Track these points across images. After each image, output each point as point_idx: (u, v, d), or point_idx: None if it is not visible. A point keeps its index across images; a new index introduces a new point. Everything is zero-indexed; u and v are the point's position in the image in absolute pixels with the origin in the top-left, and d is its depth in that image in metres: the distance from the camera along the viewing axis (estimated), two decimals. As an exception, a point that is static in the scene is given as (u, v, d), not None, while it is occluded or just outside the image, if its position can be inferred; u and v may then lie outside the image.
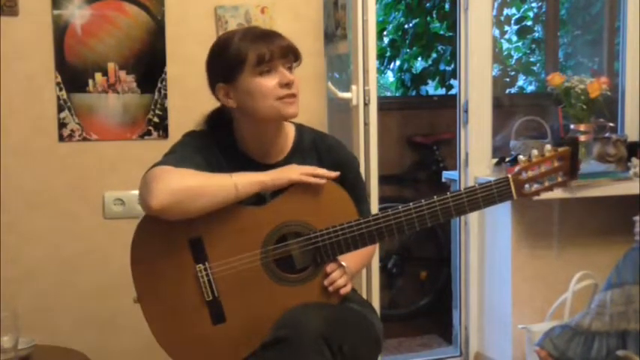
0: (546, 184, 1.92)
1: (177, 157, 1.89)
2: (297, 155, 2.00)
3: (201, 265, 1.88)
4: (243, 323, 1.88)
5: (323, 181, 1.89)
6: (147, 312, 1.91)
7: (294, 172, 1.88)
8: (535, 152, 1.92)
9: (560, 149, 1.92)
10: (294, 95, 1.90)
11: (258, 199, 1.91)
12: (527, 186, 1.91)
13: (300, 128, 2.05)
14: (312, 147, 2.03)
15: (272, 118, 1.92)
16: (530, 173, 1.91)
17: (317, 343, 1.76)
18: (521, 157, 1.93)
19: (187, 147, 1.94)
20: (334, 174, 1.91)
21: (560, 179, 1.93)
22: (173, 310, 1.90)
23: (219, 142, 1.98)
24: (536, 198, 1.97)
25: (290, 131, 2.03)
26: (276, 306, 1.87)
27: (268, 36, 1.91)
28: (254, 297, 1.89)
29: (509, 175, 1.91)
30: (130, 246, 1.90)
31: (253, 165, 1.95)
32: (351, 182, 2.02)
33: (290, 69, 1.92)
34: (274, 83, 1.88)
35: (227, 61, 1.92)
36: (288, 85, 1.89)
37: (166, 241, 1.89)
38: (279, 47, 1.89)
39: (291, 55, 1.91)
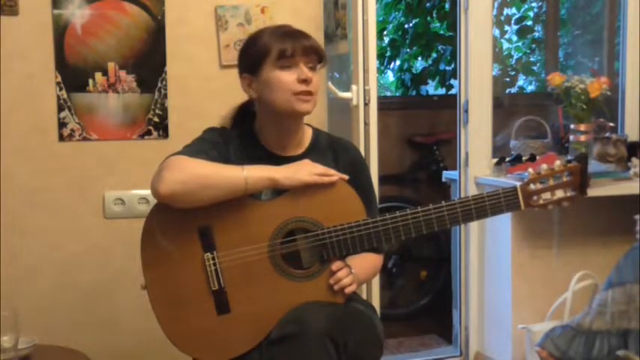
0: (555, 197, 1.94)
1: (193, 149, 1.95)
2: (314, 152, 2.05)
3: (209, 254, 1.91)
4: (247, 315, 1.90)
5: (334, 179, 1.92)
6: (153, 299, 1.94)
7: (306, 173, 1.91)
8: (545, 166, 1.95)
9: (570, 164, 1.95)
10: (310, 93, 1.96)
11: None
12: (535, 197, 1.95)
13: (317, 130, 2.12)
14: (329, 147, 2.09)
15: (286, 112, 1.97)
16: (539, 185, 1.94)
17: (322, 340, 1.78)
18: (530, 170, 1.96)
19: (205, 142, 2.00)
20: (345, 176, 1.96)
21: (569, 194, 1.95)
22: (179, 298, 1.92)
23: (240, 135, 2.04)
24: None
25: (308, 131, 2.09)
26: (281, 300, 1.89)
27: (295, 35, 1.99)
28: (259, 290, 1.91)
29: (518, 186, 1.93)
30: (141, 232, 1.94)
31: (272, 157, 2.01)
32: (364, 184, 2.07)
33: (312, 69, 1.98)
34: (292, 78, 1.94)
35: (254, 53, 1.99)
36: (305, 81, 1.94)
37: (176, 229, 1.92)
38: (302, 45, 1.96)
39: (313, 55, 1.98)
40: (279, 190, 1.94)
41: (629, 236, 2.70)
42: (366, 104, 2.82)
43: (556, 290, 2.96)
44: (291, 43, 1.95)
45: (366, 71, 2.81)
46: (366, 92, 2.81)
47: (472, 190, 3.23)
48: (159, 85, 2.78)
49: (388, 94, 6.05)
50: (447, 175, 3.71)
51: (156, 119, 2.79)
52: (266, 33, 2.00)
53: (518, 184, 1.95)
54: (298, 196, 1.92)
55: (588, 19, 4.73)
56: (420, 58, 5.55)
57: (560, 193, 1.95)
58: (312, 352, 1.77)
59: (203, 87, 2.82)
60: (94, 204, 2.77)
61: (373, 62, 2.82)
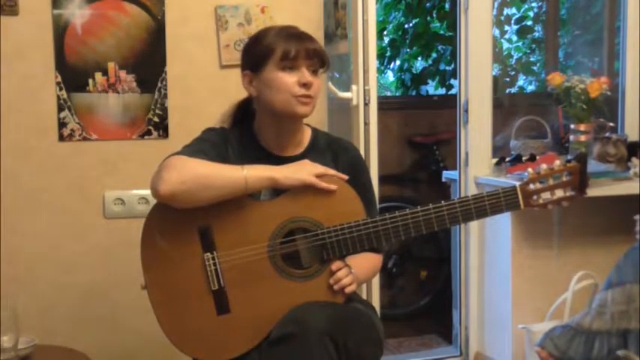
0: (554, 197, 1.95)
1: (192, 149, 1.95)
2: (314, 152, 2.05)
3: (209, 254, 1.91)
4: (247, 315, 1.90)
5: (333, 187, 1.92)
6: (153, 298, 1.94)
7: (306, 173, 1.91)
8: (544, 166, 1.95)
9: (570, 164, 1.95)
10: (309, 97, 1.96)
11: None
12: (534, 197, 1.95)
13: (315, 130, 2.12)
14: (328, 147, 2.09)
15: (284, 113, 1.97)
16: (539, 185, 1.95)
17: (322, 340, 1.78)
18: (530, 170, 1.96)
19: (204, 142, 2.00)
20: (345, 176, 1.96)
21: (568, 193, 1.95)
22: (179, 298, 1.92)
23: (239, 135, 2.05)
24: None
25: (307, 131, 2.10)
26: (281, 300, 1.89)
27: (300, 37, 1.99)
28: (259, 290, 1.91)
29: (517, 185, 1.93)
30: (141, 232, 1.94)
31: (271, 157, 2.01)
32: (364, 184, 2.07)
33: (315, 72, 1.98)
34: (293, 80, 1.95)
35: (257, 51, 2.00)
36: (306, 85, 1.95)
37: (176, 229, 1.92)
38: (306, 49, 1.96)
39: (316, 58, 1.98)
40: (277, 191, 1.94)
41: (629, 236, 2.70)
42: (366, 104, 2.82)
43: (556, 290, 2.96)
44: (295, 45, 1.95)
45: (366, 71, 2.81)
46: (366, 92, 2.81)
47: (472, 190, 3.23)
48: (159, 85, 2.78)
49: (388, 94, 6.06)
50: (447, 175, 3.72)
51: (156, 119, 2.79)
52: (271, 32, 2.01)
53: (517, 183, 1.95)
54: (298, 195, 1.92)
55: (588, 19, 4.73)
56: (420, 58, 5.55)
57: (559, 193, 1.95)
58: (312, 352, 1.76)
59: (203, 87, 2.82)
60: (94, 204, 2.77)
61: (373, 62, 2.82)
